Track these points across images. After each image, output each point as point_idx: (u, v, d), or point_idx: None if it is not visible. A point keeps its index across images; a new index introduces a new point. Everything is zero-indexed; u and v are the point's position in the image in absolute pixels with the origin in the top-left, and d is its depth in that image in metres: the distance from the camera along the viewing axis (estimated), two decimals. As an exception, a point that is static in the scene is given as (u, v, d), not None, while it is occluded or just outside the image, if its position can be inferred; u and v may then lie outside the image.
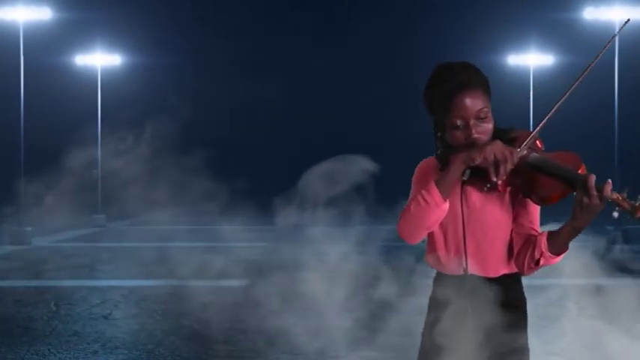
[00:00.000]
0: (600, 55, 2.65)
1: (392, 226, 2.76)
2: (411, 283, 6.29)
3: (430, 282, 2.76)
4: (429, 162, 2.70)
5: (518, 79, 35.39)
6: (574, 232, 2.43)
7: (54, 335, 8.03)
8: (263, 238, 17.70)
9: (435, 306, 2.69)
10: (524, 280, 2.71)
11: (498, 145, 2.44)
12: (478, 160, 2.45)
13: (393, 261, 8.20)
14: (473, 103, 2.49)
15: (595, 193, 2.32)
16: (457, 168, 2.50)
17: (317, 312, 8.08)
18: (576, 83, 2.61)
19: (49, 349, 7.36)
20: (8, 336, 7.99)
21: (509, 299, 2.61)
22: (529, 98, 34.28)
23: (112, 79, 34.27)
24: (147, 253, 16.58)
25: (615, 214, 2.34)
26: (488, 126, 2.52)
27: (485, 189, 2.49)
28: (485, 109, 2.51)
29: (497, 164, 2.43)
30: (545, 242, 2.48)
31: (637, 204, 2.31)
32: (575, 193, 2.37)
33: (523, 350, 2.63)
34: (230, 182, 7.72)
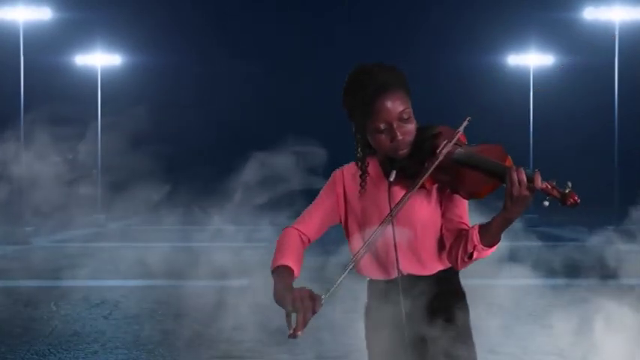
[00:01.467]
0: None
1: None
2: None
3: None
4: (347, 169, 2.70)
5: (518, 79, 35.38)
6: (506, 223, 2.41)
7: (54, 335, 8.04)
8: (263, 237, 17.68)
9: (373, 313, 2.67)
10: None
11: (298, 295, 2.35)
12: (281, 305, 2.40)
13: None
14: (394, 105, 2.47)
15: (525, 184, 2.32)
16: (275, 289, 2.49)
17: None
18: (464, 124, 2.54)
19: (49, 349, 7.36)
20: (8, 336, 7.99)
21: (449, 293, 2.60)
22: (529, 98, 34.28)
23: (112, 79, 34.28)
24: (147, 253, 16.59)
25: (546, 203, 2.32)
26: (411, 126, 2.51)
27: (288, 337, 2.35)
28: (408, 110, 2.50)
29: (297, 313, 2.33)
30: (477, 235, 2.45)
31: (566, 191, 2.30)
32: (505, 186, 2.36)
33: (468, 342, 2.62)
34: (232, 181, 7.72)
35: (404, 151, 2.51)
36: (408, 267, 2.59)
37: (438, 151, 2.46)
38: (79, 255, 17.16)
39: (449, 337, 2.57)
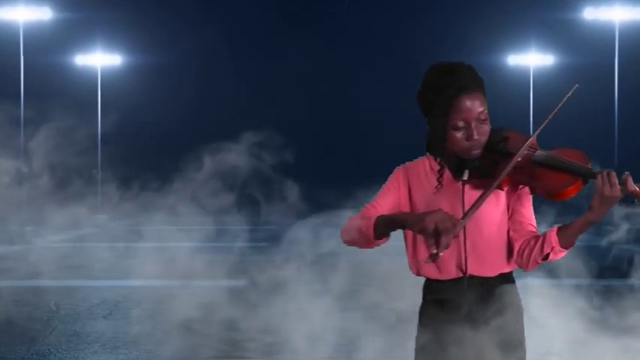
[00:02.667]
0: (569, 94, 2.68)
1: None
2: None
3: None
4: (411, 167, 2.72)
5: (518, 79, 35.39)
6: (587, 225, 2.50)
7: (54, 335, 8.03)
8: (263, 238, 17.70)
9: (432, 314, 2.68)
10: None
11: (440, 215, 2.44)
12: (415, 229, 2.46)
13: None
14: (474, 105, 2.53)
15: (617, 186, 2.41)
16: (399, 226, 2.55)
17: (317, 312, 8.08)
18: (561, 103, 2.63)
19: (49, 349, 7.36)
20: (8, 336, 7.99)
21: (509, 298, 2.65)
22: (529, 98, 34.27)
23: (112, 79, 34.27)
24: (147, 253, 16.57)
25: (636, 203, 2.43)
26: (487, 128, 2.57)
27: (424, 260, 2.46)
28: (485, 112, 2.56)
29: (438, 235, 2.41)
30: (556, 236, 2.53)
31: None
32: (596, 188, 2.44)
33: (522, 347, 2.69)
34: (235, 182, 7.72)
35: (477, 152, 2.56)
36: (473, 267, 2.63)
37: (517, 151, 2.52)
38: (78, 255, 17.16)
39: (507, 342, 2.63)
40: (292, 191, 6.83)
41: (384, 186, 2.72)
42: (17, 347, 7.45)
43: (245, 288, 11.12)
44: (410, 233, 2.66)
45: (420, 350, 2.71)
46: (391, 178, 2.72)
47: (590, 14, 27.95)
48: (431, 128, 2.62)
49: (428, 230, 2.41)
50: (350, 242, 2.67)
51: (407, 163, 2.73)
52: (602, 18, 27.59)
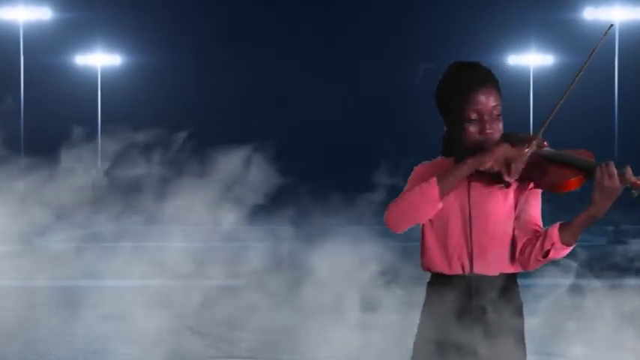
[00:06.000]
0: (590, 57, 2.86)
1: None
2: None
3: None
4: (428, 166, 2.72)
5: (518, 79, 35.40)
6: (589, 221, 2.51)
7: (54, 335, 8.03)
8: (259, 238, 17.67)
9: (435, 310, 2.68)
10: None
11: (507, 146, 2.52)
12: (489, 163, 2.52)
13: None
14: (488, 99, 2.58)
15: (616, 176, 2.42)
16: (465, 170, 2.56)
17: (318, 312, 8.08)
18: (572, 85, 2.74)
19: (49, 349, 7.36)
20: (8, 336, 7.99)
21: (510, 298, 2.65)
22: (529, 98, 34.27)
23: (112, 79, 34.29)
24: (147, 253, 16.56)
25: (635, 194, 2.44)
26: (500, 126, 2.61)
27: (501, 187, 2.56)
28: (499, 107, 2.61)
29: (508, 164, 2.51)
30: (557, 233, 2.53)
31: None
32: (595, 180, 2.46)
33: (522, 347, 2.70)
34: (233, 181, 7.72)
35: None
36: (475, 264, 2.63)
37: (525, 145, 2.56)
38: (78, 255, 17.14)
39: (507, 341, 2.64)
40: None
41: (410, 185, 2.70)
42: (17, 347, 7.45)
43: (246, 287, 11.11)
44: (427, 229, 2.66)
45: (421, 344, 2.72)
46: (416, 173, 2.72)
47: (590, 14, 27.98)
48: (448, 126, 2.67)
49: (500, 161, 2.51)
50: (403, 214, 2.59)
51: (425, 162, 2.75)
52: (602, 18, 27.61)
